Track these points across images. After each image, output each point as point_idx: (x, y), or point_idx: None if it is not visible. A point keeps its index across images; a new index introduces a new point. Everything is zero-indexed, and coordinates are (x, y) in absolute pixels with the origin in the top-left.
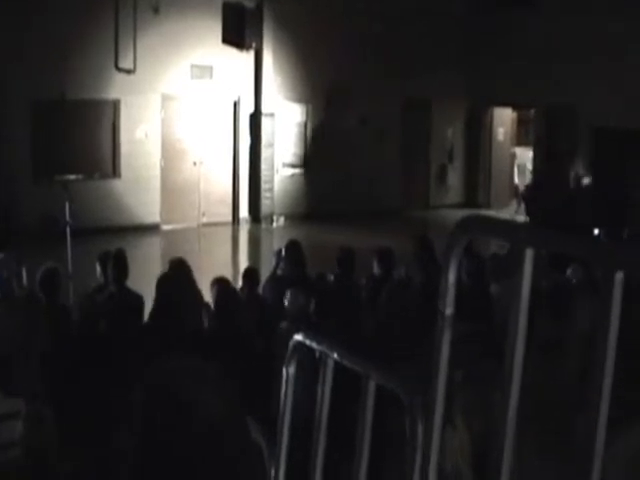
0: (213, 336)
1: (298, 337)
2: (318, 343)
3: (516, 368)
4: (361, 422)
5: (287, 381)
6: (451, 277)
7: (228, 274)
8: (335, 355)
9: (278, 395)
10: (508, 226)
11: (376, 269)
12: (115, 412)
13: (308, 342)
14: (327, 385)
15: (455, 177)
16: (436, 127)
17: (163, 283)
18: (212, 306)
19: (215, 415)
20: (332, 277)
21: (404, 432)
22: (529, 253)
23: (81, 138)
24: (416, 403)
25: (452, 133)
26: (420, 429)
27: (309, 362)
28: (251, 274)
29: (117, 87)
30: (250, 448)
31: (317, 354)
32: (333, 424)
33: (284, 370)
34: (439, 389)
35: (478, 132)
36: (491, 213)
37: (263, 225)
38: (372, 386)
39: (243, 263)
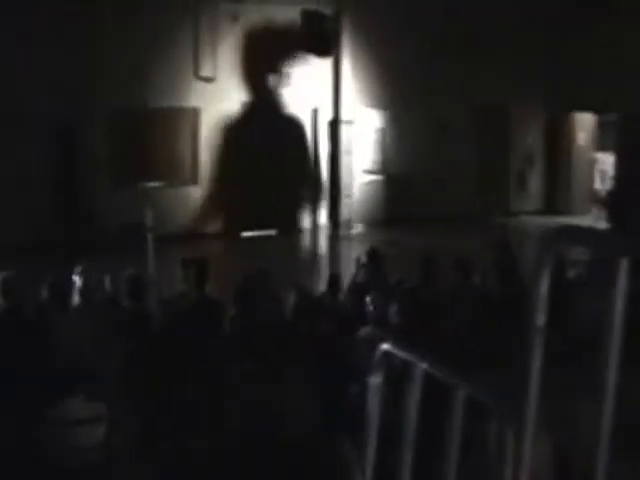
0: (293, 342)
1: (385, 347)
2: (406, 353)
3: (610, 380)
4: (449, 432)
5: (373, 390)
6: (542, 288)
7: (307, 281)
8: (424, 365)
9: (356, 400)
10: (600, 237)
11: (455, 276)
12: (195, 415)
13: (396, 352)
14: (415, 394)
15: (535, 183)
16: (515, 132)
17: (243, 291)
18: (291, 313)
19: (296, 418)
20: (412, 284)
21: (486, 442)
22: (624, 264)
23: (162, 145)
24: (507, 414)
25: (532, 138)
26: (511, 440)
27: (393, 371)
28: (334, 281)
29: (197, 95)
30: (335, 453)
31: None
32: (419, 433)
33: (370, 379)
34: (531, 400)
35: (558, 137)
36: (572, 220)
37: (342, 231)
38: (461, 396)
39: (323, 269)
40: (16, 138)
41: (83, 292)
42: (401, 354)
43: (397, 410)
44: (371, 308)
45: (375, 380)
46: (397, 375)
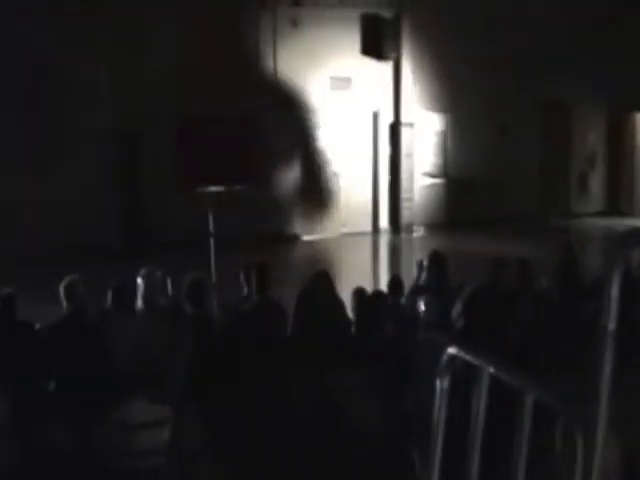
0: (357, 346)
1: (452, 350)
2: (474, 357)
3: None
4: (518, 436)
5: (441, 394)
6: (614, 291)
7: (368, 284)
8: (491, 369)
9: (415, 401)
10: None
11: (516, 279)
12: (262, 418)
13: (463, 355)
14: (482, 398)
15: (597, 184)
16: (577, 133)
17: (305, 296)
18: (353, 316)
19: (360, 421)
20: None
21: (555, 446)
22: None
23: (224, 150)
24: (577, 418)
25: (593, 139)
26: (581, 444)
27: (460, 375)
28: (395, 284)
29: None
30: (401, 457)
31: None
32: (485, 438)
33: (437, 383)
34: (602, 404)
35: (620, 137)
36: (635, 222)
37: (403, 235)
38: (530, 400)
39: (384, 273)
40: (79, 144)
41: (146, 296)
42: (467, 357)
43: (464, 414)
44: (433, 311)
45: (442, 384)
46: (463, 379)
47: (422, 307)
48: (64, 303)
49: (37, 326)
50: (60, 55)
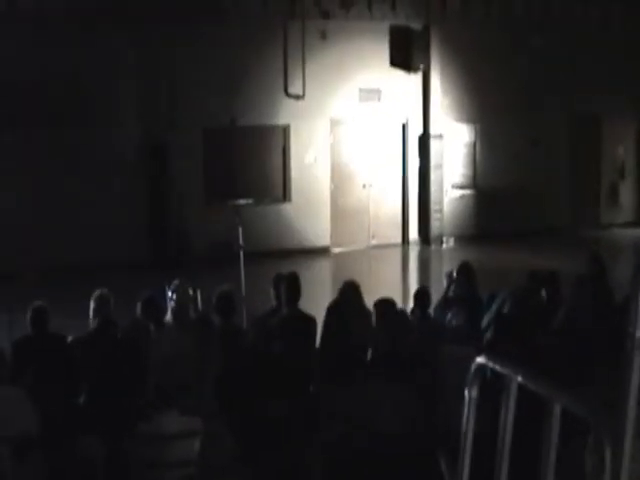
0: (384, 357)
1: (480, 360)
2: (502, 366)
3: None
4: (546, 446)
5: (469, 403)
6: None
7: (398, 296)
8: (520, 378)
9: (444, 413)
10: None
11: (545, 292)
12: (292, 431)
13: (491, 365)
14: (511, 408)
15: (627, 195)
16: (607, 144)
17: (334, 308)
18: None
19: (390, 432)
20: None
21: (583, 456)
22: None
23: (252, 163)
24: (605, 428)
25: (623, 150)
26: (609, 454)
27: (486, 384)
28: (423, 295)
29: (287, 112)
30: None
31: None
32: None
33: (466, 392)
34: (629, 414)
35: None
36: None
37: (433, 246)
38: (557, 409)
39: (413, 285)
40: (110, 158)
41: (177, 309)
42: (496, 367)
43: (492, 423)
44: (457, 322)
45: (471, 394)
46: (492, 388)
47: (448, 318)
48: (94, 316)
49: (69, 339)
50: (89, 71)
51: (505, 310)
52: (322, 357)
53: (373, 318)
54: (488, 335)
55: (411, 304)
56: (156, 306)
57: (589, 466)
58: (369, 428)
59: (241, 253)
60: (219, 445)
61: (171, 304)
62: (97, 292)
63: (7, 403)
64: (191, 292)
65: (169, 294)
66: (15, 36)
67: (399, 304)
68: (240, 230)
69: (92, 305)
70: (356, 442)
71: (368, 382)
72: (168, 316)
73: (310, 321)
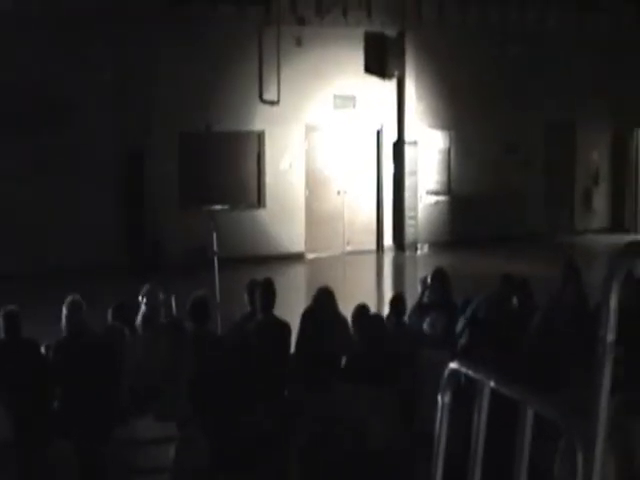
0: (360, 363)
1: (453, 365)
2: (475, 371)
3: None
4: (519, 450)
5: (442, 409)
6: (612, 303)
7: (373, 302)
8: (492, 383)
9: (422, 418)
10: None
11: (516, 297)
12: (267, 436)
13: (464, 370)
14: (483, 412)
15: (601, 201)
16: (581, 150)
17: (309, 314)
18: (356, 333)
19: (380, 436)
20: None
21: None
22: None
23: (227, 169)
24: (576, 432)
25: (597, 156)
26: (580, 458)
27: (460, 389)
28: (398, 302)
29: (262, 118)
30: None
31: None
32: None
33: (439, 398)
34: (600, 417)
35: (624, 154)
36: (639, 238)
37: (407, 253)
38: (530, 414)
39: (387, 291)
40: (85, 162)
41: (149, 314)
42: (469, 372)
43: (467, 428)
44: (436, 328)
45: (444, 399)
46: (466, 394)
47: (426, 324)
48: (66, 322)
49: (42, 345)
50: (65, 74)
51: (480, 315)
52: (297, 362)
53: (349, 324)
54: (462, 340)
55: (386, 310)
56: (126, 311)
57: (557, 470)
58: (343, 431)
59: (215, 259)
60: (194, 449)
61: (142, 308)
62: (69, 298)
63: None
64: (162, 296)
65: (142, 298)
66: None
67: (374, 310)
68: (215, 236)
69: (64, 311)
70: (331, 444)
71: (342, 386)
72: (139, 321)
73: (284, 327)
